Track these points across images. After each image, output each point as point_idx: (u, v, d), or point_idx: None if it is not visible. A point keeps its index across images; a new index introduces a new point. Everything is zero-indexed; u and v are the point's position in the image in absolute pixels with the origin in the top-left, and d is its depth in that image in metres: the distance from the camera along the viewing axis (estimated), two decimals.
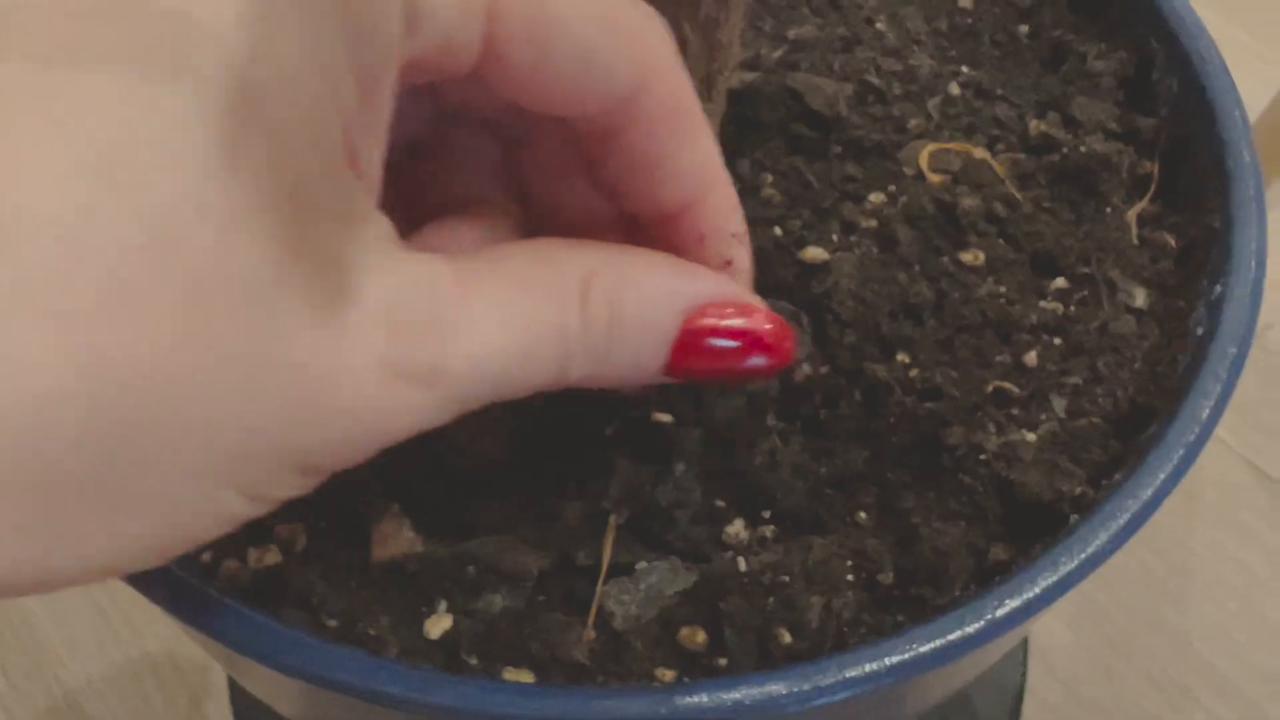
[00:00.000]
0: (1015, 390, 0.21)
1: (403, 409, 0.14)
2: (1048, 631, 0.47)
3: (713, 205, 0.17)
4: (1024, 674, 0.41)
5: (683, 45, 0.20)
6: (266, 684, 0.20)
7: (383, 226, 0.14)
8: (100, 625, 0.47)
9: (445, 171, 0.18)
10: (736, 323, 0.16)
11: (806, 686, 0.16)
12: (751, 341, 0.16)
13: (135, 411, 0.11)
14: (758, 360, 0.16)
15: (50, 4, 0.11)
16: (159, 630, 0.47)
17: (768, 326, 0.16)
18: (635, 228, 0.18)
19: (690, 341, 0.16)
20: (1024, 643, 0.42)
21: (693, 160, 0.17)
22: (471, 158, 0.18)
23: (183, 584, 0.17)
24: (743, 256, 0.18)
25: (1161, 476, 0.18)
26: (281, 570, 0.19)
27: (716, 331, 0.16)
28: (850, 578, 0.18)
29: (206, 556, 0.19)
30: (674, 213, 0.17)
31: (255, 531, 0.19)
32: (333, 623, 0.18)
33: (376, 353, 0.13)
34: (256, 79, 0.12)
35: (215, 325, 0.12)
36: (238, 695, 0.42)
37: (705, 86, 0.21)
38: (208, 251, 0.11)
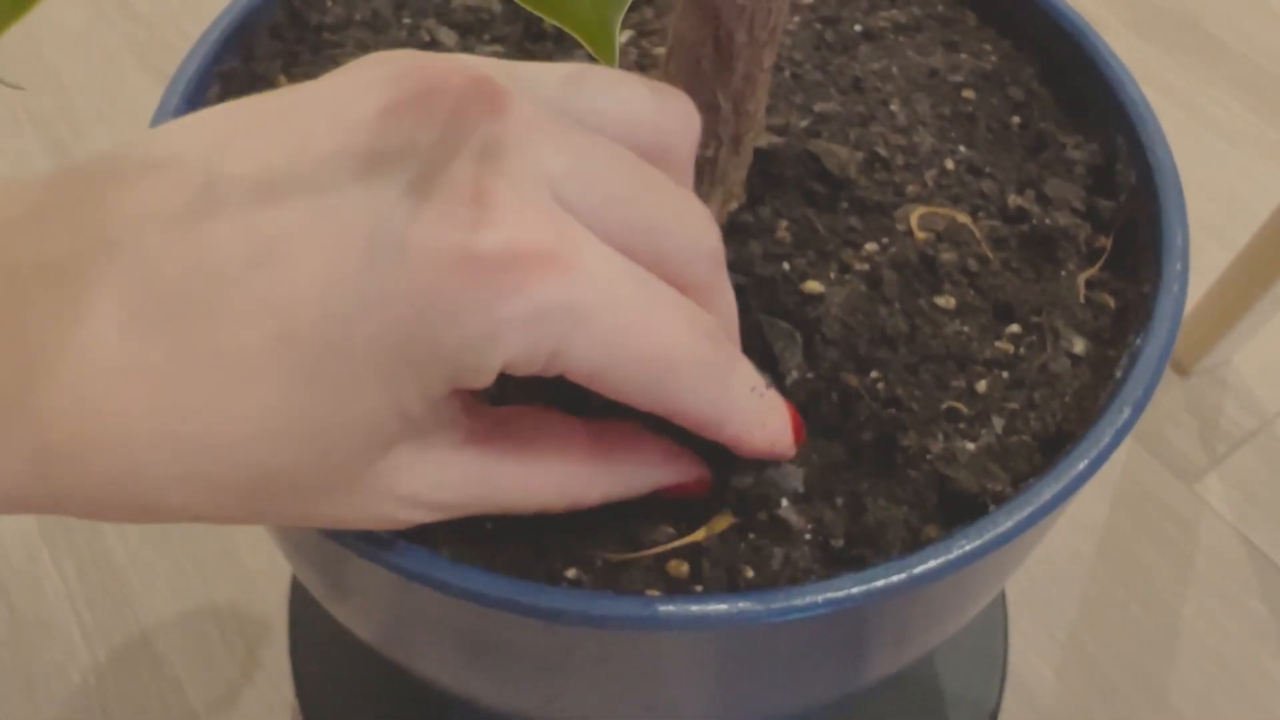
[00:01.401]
0: (965, 410, 0.26)
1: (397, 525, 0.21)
2: (1034, 670, 0.50)
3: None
4: (999, 698, 0.45)
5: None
6: (347, 586, 0.26)
7: (454, 434, 0.20)
8: (175, 573, 0.53)
9: None
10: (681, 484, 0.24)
11: (759, 607, 0.21)
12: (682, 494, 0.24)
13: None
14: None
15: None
16: (226, 582, 0.52)
17: (698, 486, 0.24)
18: None
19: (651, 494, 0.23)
20: (1002, 667, 0.46)
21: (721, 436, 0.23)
22: None
23: None
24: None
25: (1061, 485, 0.23)
26: None
27: (667, 492, 0.24)
28: (808, 537, 0.23)
29: None
30: None
31: None
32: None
33: (389, 514, 0.20)
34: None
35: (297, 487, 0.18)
36: (298, 643, 0.47)
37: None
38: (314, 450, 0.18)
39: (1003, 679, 0.46)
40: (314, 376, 0.17)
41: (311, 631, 0.47)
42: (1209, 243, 0.63)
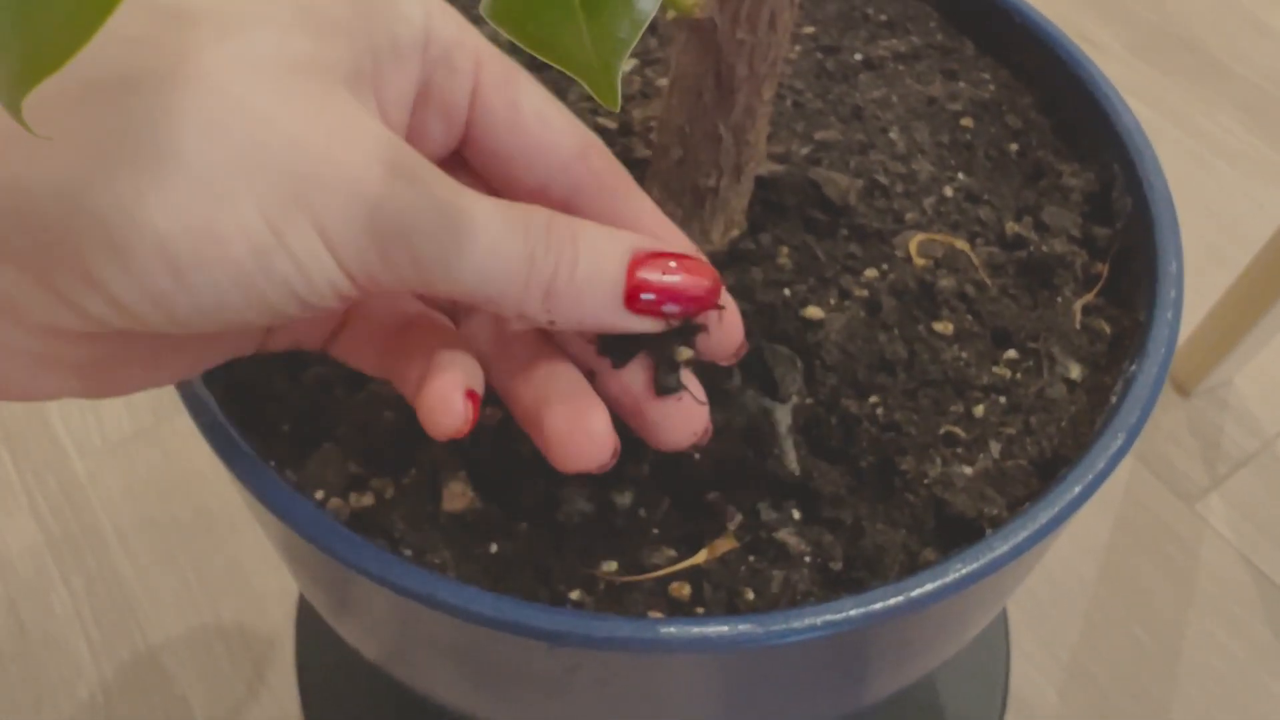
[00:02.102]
0: (962, 434, 0.26)
1: (388, 195, 0.18)
2: (1036, 690, 0.51)
3: (673, 238, 0.22)
4: (1001, 718, 0.45)
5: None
6: (354, 606, 0.26)
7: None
8: (182, 590, 0.53)
9: None
10: (673, 272, 0.20)
11: (759, 629, 0.21)
12: (688, 296, 0.20)
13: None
14: (675, 308, 0.20)
15: None
16: (233, 601, 0.53)
17: (699, 280, 0.20)
18: None
19: (636, 271, 0.20)
20: (1004, 687, 0.46)
21: (640, 207, 0.22)
22: None
23: (314, 515, 0.23)
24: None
25: (1056, 509, 0.23)
26: (373, 511, 0.24)
27: (656, 273, 0.20)
28: (808, 560, 0.24)
29: (320, 494, 0.25)
30: None
31: (356, 482, 0.25)
32: (408, 552, 0.24)
33: (374, 154, 0.18)
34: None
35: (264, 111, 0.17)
36: (304, 661, 0.48)
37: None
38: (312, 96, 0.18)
39: (1004, 699, 0.46)
40: None
41: (318, 650, 0.47)
42: (1210, 264, 0.63)
